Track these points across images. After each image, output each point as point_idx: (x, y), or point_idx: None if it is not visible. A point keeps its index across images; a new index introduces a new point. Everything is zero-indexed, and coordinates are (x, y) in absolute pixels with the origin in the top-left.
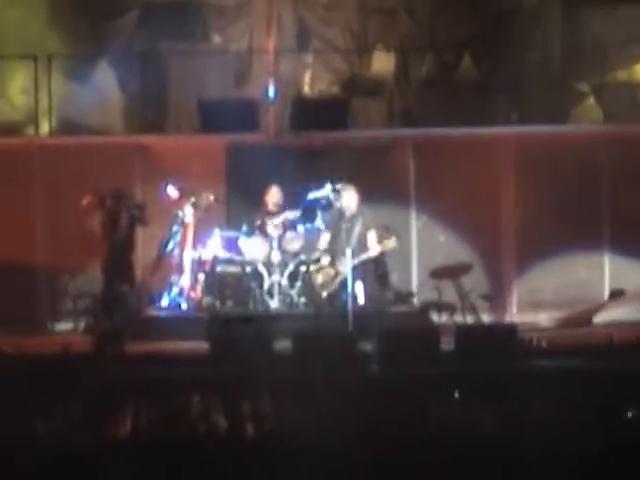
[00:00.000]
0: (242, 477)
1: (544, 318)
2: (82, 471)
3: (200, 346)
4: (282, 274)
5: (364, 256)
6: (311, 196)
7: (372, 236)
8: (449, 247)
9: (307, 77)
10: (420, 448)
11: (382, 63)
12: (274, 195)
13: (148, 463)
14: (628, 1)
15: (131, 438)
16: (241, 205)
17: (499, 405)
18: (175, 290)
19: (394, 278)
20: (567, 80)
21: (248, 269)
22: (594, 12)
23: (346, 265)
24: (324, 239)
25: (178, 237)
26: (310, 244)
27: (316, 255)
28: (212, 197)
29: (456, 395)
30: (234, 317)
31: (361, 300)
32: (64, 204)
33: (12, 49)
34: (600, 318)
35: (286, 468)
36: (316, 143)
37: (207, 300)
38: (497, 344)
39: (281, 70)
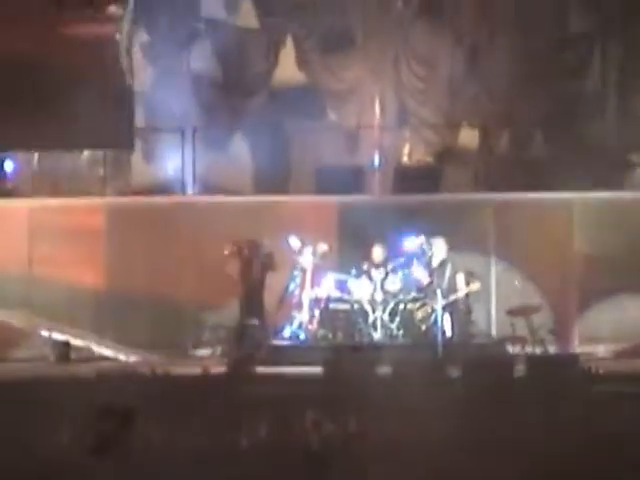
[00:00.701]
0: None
1: (602, 350)
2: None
3: (316, 370)
4: (384, 311)
5: (454, 296)
6: (408, 246)
7: (460, 279)
8: (523, 290)
9: (406, 149)
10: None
11: (468, 137)
12: (377, 253)
13: (269, 466)
14: None
15: (259, 444)
16: (350, 253)
17: (562, 422)
18: (295, 323)
19: (476, 315)
20: (622, 153)
21: (356, 306)
22: None
23: (439, 303)
24: (420, 282)
25: (298, 280)
26: (407, 286)
27: (412, 295)
28: (326, 247)
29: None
30: (344, 347)
31: (450, 333)
32: (207, 251)
33: (163, 122)
34: None
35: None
36: (414, 203)
37: (322, 332)
38: (562, 372)
39: (384, 142)
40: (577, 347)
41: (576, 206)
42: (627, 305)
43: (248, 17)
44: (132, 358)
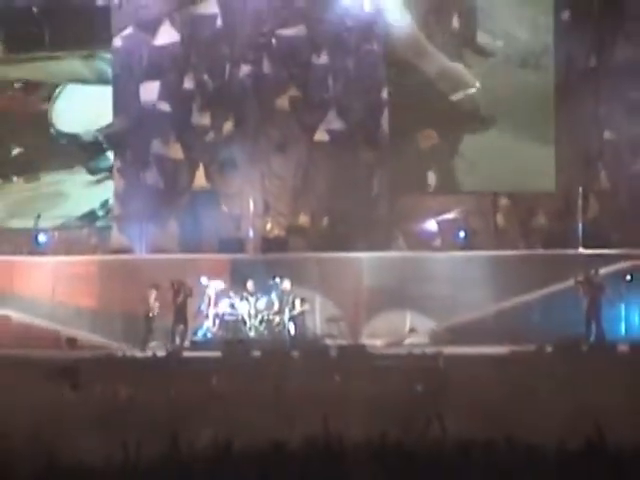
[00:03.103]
0: None
1: (378, 342)
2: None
3: (217, 354)
4: (256, 320)
5: (295, 312)
6: (269, 283)
7: (298, 302)
8: (333, 309)
9: (268, 227)
10: None
11: (303, 221)
12: (250, 285)
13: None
14: None
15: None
16: (236, 287)
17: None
18: (205, 328)
19: (308, 323)
20: (391, 229)
21: (240, 318)
22: None
23: (286, 316)
24: (276, 304)
25: (206, 302)
26: (269, 306)
27: (272, 311)
28: (223, 283)
29: None
30: (234, 341)
31: (293, 333)
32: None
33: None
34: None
35: None
36: (272, 258)
37: (220, 333)
38: (356, 353)
39: (256, 224)
40: (364, 340)
41: (364, 260)
42: (392, 317)
43: (177, 151)
44: (113, 347)
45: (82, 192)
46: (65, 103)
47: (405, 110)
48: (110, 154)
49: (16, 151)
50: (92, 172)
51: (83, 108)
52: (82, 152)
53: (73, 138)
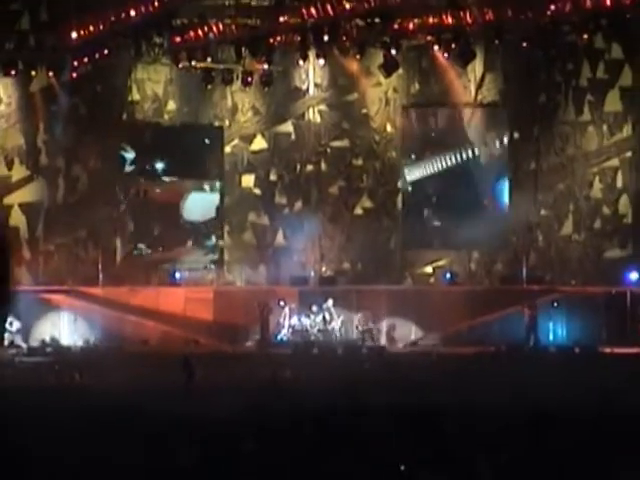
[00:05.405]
0: None
1: (400, 345)
2: None
3: (289, 351)
4: (315, 329)
5: (339, 324)
6: (323, 305)
7: (340, 318)
8: (368, 320)
9: (323, 269)
10: None
11: (345, 265)
12: (313, 307)
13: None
14: None
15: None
16: (303, 308)
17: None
18: (282, 334)
19: (348, 331)
20: None
21: (304, 327)
22: None
23: (336, 326)
24: (328, 319)
25: (283, 316)
26: (324, 320)
27: (324, 325)
28: (293, 305)
29: None
30: (302, 343)
31: (338, 337)
32: (250, 305)
33: None
34: None
35: None
36: (326, 289)
37: (292, 338)
38: (380, 352)
39: (315, 267)
40: (384, 343)
41: (385, 292)
42: (402, 328)
43: (265, 220)
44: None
45: (195, 259)
46: (189, 202)
47: (411, 195)
48: (214, 237)
49: (157, 231)
50: (202, 248)
51: (200, 206)
52: (198, 234)
53: (192, 224)
